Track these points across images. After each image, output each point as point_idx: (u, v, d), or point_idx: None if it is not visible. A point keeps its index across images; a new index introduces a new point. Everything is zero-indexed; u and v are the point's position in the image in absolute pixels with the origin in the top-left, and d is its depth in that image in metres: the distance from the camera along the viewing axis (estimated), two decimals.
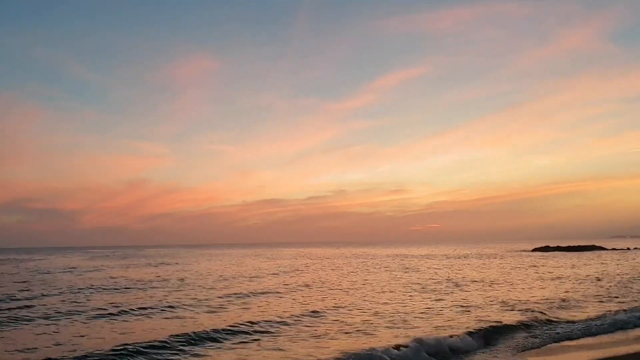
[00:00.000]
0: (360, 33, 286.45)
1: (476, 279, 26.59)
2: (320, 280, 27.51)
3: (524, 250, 78.03)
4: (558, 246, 77.96)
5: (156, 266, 46.56)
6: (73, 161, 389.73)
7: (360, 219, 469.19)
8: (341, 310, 15.82)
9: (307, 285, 24.86)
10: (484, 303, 17.03)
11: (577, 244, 78.53)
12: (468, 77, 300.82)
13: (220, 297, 19.73)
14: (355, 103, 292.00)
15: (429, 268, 37.32)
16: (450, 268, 36.94)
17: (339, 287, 23.33)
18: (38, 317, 15.05)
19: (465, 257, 56.40)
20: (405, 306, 16.59)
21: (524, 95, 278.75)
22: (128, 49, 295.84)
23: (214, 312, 16.06)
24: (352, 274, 32.82)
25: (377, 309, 15.82)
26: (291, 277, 30.79)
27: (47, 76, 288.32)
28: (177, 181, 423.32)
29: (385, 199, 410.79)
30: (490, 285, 23.27)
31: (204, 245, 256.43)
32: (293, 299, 19.14)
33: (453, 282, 24.90)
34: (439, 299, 18.38)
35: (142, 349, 10.46)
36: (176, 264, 51.60)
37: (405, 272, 33.72)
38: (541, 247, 79.04)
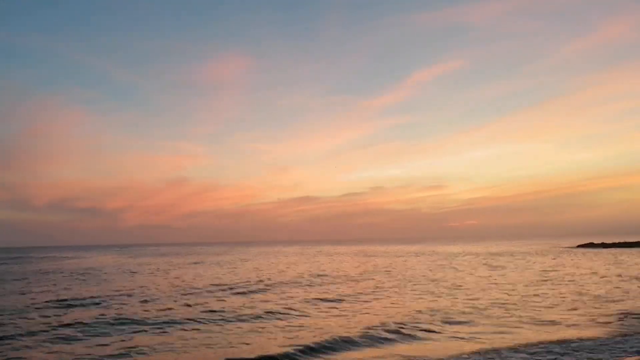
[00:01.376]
0: (392, 28, 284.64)
1: (575, 275, 28.83)
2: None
3: (569, 247, 78.19)
4: (603, 243, 78.03)
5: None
6: (115, 161, 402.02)
7: (397, 216, 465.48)
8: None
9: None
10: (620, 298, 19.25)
11: (622, 241, 78.24)
12: (505, 69, 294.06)
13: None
14: (389, 99, 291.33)
15: (504, 265, 39.07)
16: (535, 265, 38.21)
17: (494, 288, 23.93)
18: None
19: (529, 254, 57.63)
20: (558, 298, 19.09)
21: (564, 87, 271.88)
22: (165, 51, 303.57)
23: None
24: (454, 271, 34.15)
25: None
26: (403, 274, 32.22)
27: (89, 80, 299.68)
28: (214, 179, 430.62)
29: (422, 195, 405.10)
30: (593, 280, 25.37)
31: (244, 243, 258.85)
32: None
33: (564, 279, 26.96)
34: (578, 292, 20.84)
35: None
36: (264, 261, 54.65)
37: (496, 269, 35.36)
38: (585, 244, 79.36)
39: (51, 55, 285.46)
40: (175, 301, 20.07)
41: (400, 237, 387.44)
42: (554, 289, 22.16)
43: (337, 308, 17.80)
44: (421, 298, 20.11)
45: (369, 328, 13.51)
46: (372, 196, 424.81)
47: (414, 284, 25.60)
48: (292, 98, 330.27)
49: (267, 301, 19.76)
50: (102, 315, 16.49)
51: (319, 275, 32.02)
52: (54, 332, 13.88)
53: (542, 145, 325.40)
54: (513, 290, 22.23)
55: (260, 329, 14.03)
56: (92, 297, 21.45)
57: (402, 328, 13.57)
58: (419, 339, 12.65)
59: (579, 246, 78.28)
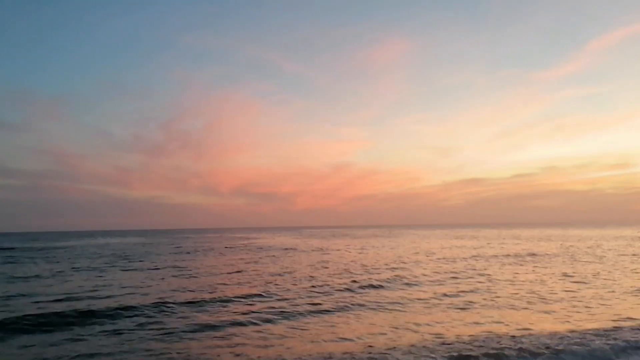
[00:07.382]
0: None
1: None
2: None
3: None
4: None
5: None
6: (286, 148, 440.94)
7: (575, 198, 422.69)
8: None
9: None
10: None
11: None
12: None
13: None
14: (565, 70, 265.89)
15: None
16: None
17: None
18: None
19: None
20: None
21: None
22: (327, 38, 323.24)
23: None
24: None
25: None
26: None
27: (259, 72, 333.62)
28: (377, 163, 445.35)
29: (604, 174, 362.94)
30: None
31: (410, 226, 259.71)
32: None
33: None
34: None
35: None
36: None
37: None
38: None
39: (230, 54, 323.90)
40: None
41: (580, 220, 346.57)
42: None
43: None
44: None
45: None
46: (544, 177, 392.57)
47: None
48: (455, 76, 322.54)
49: None
50: None
51: None
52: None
53: None
54: None
55: None
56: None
57: None
58: None
59: None
